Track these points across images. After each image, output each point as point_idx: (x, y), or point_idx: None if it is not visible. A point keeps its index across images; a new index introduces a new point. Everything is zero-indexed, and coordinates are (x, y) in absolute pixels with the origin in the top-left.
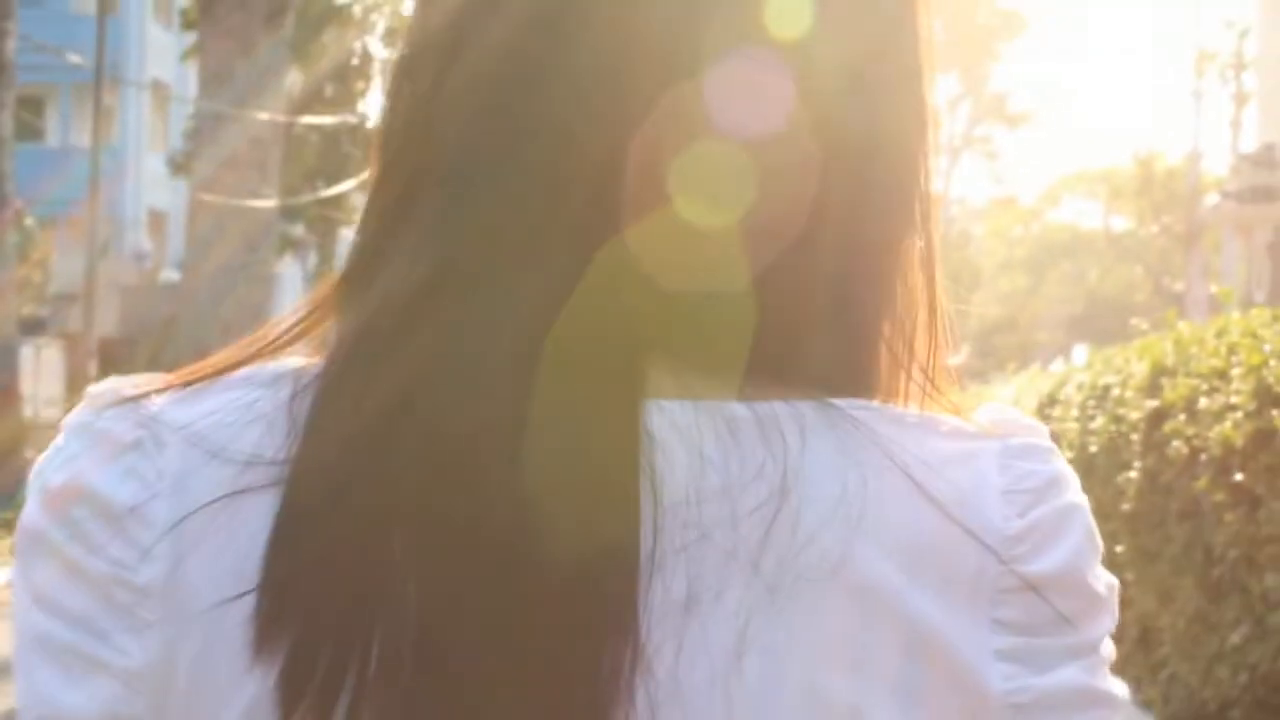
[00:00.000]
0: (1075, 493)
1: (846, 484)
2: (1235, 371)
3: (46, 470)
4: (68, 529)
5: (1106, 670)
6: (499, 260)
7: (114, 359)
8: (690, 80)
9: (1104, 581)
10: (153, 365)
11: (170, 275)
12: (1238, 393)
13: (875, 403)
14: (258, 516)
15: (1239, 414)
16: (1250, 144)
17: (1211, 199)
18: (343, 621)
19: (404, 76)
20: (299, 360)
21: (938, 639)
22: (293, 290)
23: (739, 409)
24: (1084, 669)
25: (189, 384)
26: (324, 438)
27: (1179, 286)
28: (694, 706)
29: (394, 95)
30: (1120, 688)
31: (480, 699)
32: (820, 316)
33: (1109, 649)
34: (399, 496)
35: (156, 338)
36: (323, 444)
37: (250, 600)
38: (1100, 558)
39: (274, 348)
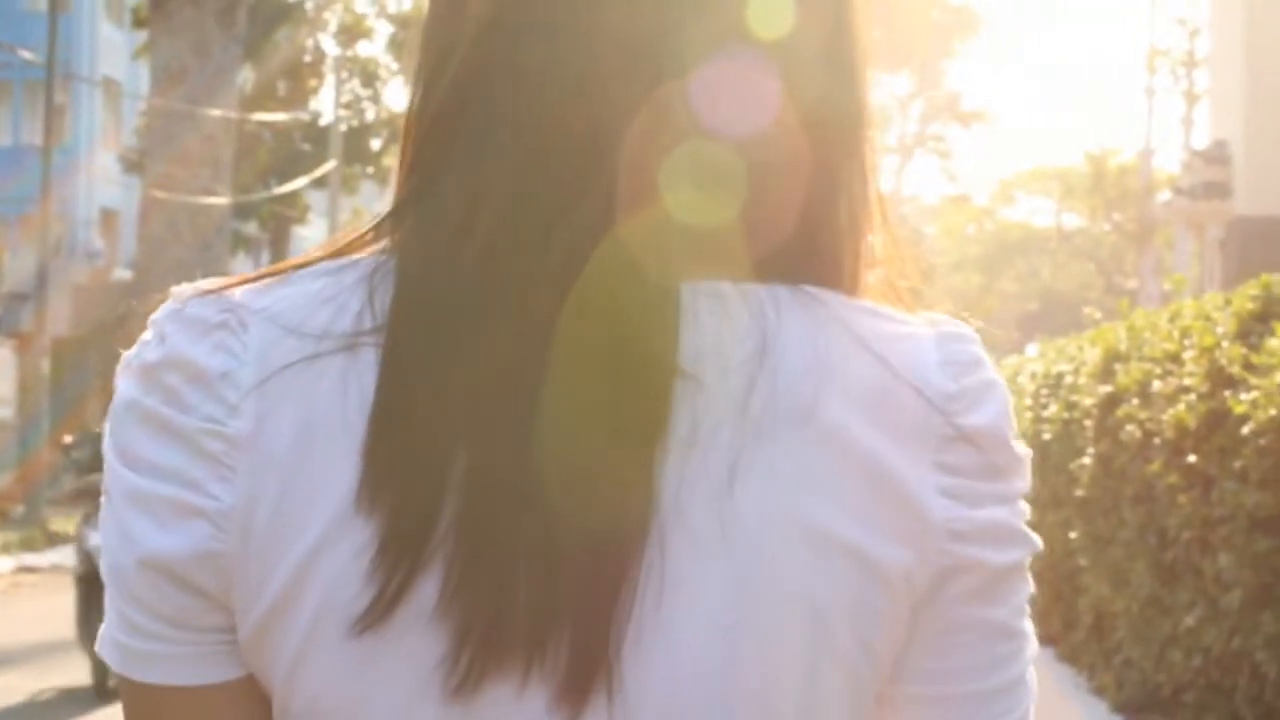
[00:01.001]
0: (995, 372)
1: (815, 347)
2: (1188, 355)
3: (141, 352)
4: (163, 394)
5: (1025, 521)
6: (544, 191)
7: (67, 358)
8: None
9: (1022, 448)
10: (106, 364)
11: (123, 274)
12: (1191, 375)
13: (834, 292)
14: (330, 379)
15: (1192, 396)
16: (1203, 141)
17: (1164, 196)
18: (426, 480)
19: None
20: (353, 257)
21: (892, 475)
22: None
23: (727, 287)
24: (1009, 512)
25: (260, 279)
26: (408, 324)
27: (1132, 284)
28: (695, 525)
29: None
30: (1036, 538)
31: (536, 518)
32: (795, 226)
33: (1027, 507)
34: (471, 379)
35: (109, 336)
36: (408, 331)
37: (321, 449)
38: (1016, 431)
39: (326, 256)
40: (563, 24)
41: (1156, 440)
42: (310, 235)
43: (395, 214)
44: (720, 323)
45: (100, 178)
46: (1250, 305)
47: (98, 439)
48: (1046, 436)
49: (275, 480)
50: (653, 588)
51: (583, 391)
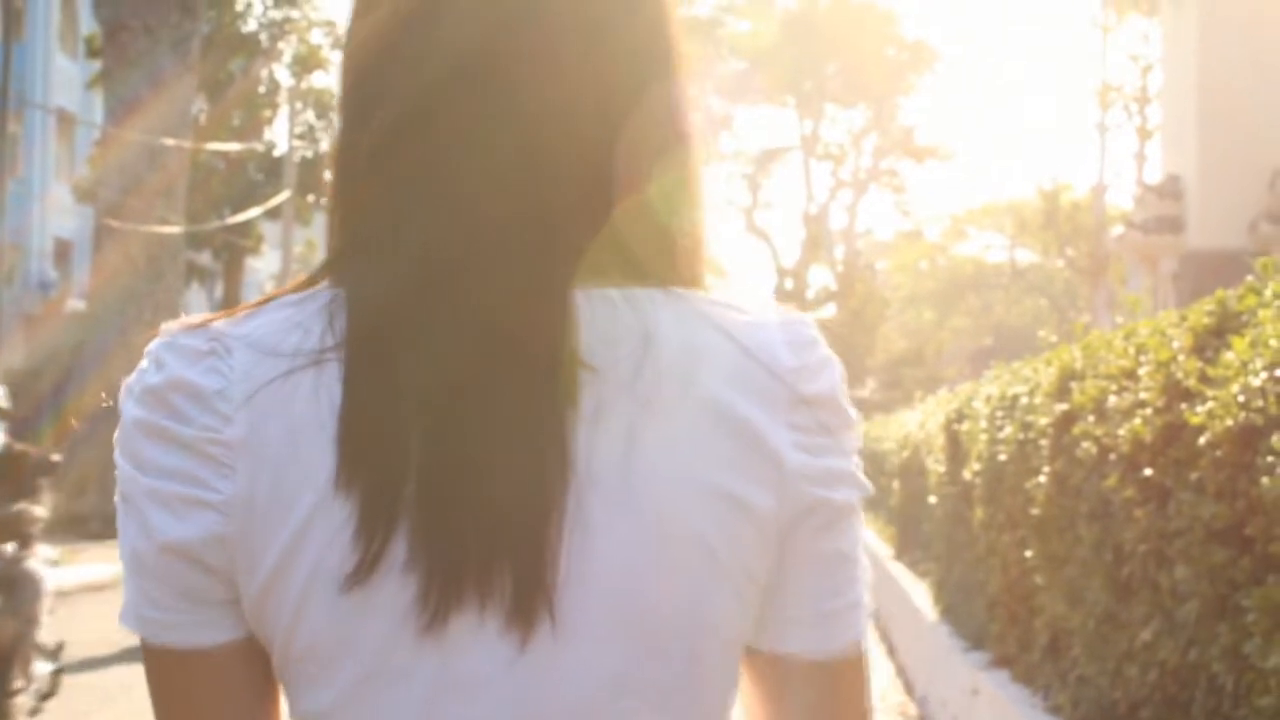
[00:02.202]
0: (829, 350)
1: (686, 336)
2: (1143, 371)
3: (144, 376)
4: (166, 411)
5: (857, 467)
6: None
7: (19, 388)
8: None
9: (852, 410)
10: (58, 395)
11: (76, 305)
12: (1147, 389)
13: (698, 291)
14: (304, 389)
15: (1148, 410)
16: (1155, 177)
17: (1117, 231)
18: (391, 463)
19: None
20: (310, 291)
21: (755, 434)
22: None
23: (614, 292)
24: (844, 461)
25: (234, 313)
26: (363, 340)
27: (1085, 319)
28: (604, 484)
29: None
30: (868, 483)
31: (479, 485)
32: (652, 243)
33: (858, 459)
34: (420, 377)
35: (62, 367)
36: (364, 345)
37: (303, 446)
38: (848, 397)
39: (286, 292)
40: (489, 80)
41: (1112, 456)
42: (263, 266)
43: (339, 257)
44: (610, 321)
45: (54, 208)
46: (1206, 320)
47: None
48: (1002, 458)
49: (268, 474)
50: (575, 535)
51: (507, 386)
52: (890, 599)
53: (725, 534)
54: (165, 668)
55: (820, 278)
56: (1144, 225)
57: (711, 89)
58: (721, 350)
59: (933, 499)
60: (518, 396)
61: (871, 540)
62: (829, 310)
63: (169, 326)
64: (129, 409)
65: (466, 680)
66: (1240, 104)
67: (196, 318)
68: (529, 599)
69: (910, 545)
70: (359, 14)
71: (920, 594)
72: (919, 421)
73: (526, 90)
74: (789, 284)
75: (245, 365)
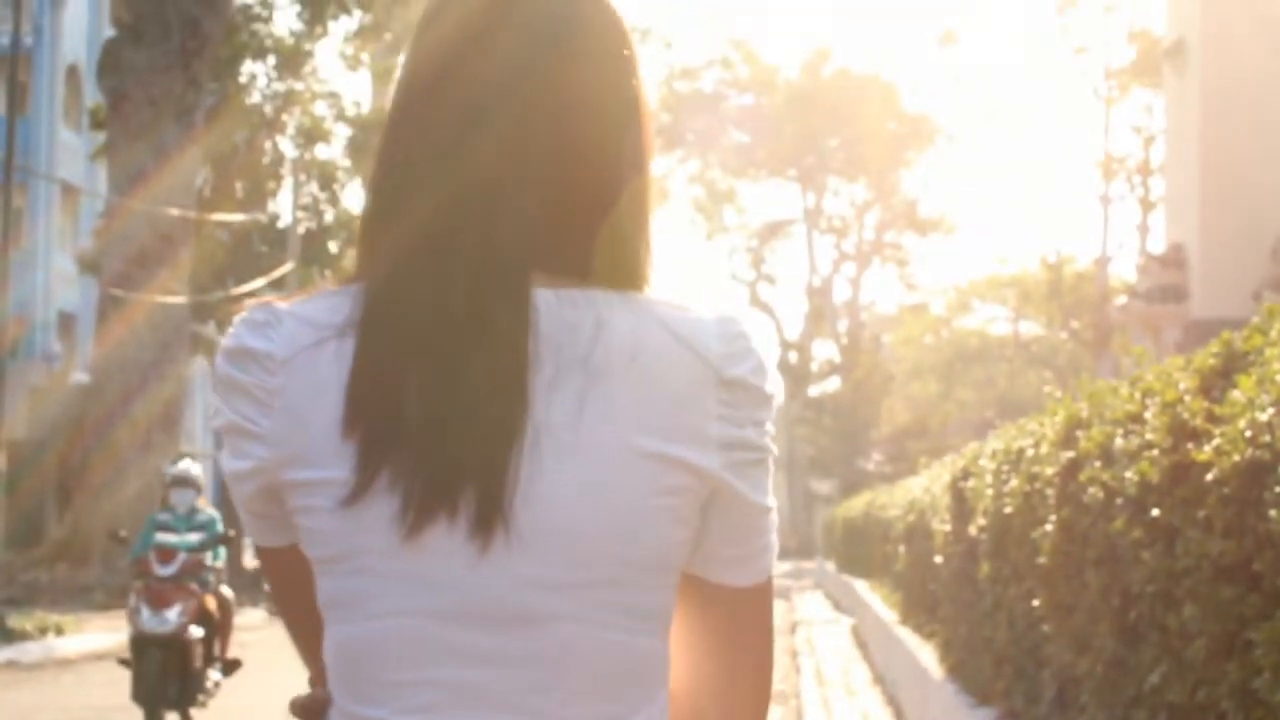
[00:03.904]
0: (757, 340)
1: (632, 326)
2: (1150, 414)
3: (226, 340)
4: (236, 365)
5: (769, 439)
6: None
7: (22, 460)
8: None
9: (771, 391)
10: (62, 466)
11: (80, 377)
12: (1154, 430)
13: (643, 293)
14: (328, 354)
15: (1155, 451)
16: (1159, 247)
17: (1120, 301)
18: (384, 412)
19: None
20: (342, 287)
21: (686, 406)
22: (203, 393)
23: (574, 291)
24: (757, 431)
25: (292, 298)
26: (371, 320)
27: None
28: (556, 435)
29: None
30: (774, 447)
31: (454, 428)
32: (611, 256)
33: (770, 427)
34: (411, 348)
35: (66, 439)
36: (371, 323)
37: (323, 398)
38: (769, 379)
39: (330, 286)
40: (492, 126)
41: (1119, 500)
42: None
43: (362, 257)
44: (572, 311)
45: (58, 281)
46: (1212, 362)
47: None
48: (1008, 510)
49: (295, 417)
50: (527, 471)
51: (481, 354)
52: (896, 662)
53: (659, 487)
54: (262, 557)
55: (824, 351)
56: (1147, 294)
57: (715, 162)
58: (661, 339)
59: (939, 559)
60: (489, 362)
61: (877, 606)
62: (833, 383)
63: (250, 304)
64: (217, 364)
65: (437, 579)
66: (1243, 174)
67: (267, 298)
68: (489, 515)
69: (916, 609)
70: (401, 84)
71: (927, 655)
72: (924, 486)
73: (521, 134)
74: (793, 357)
75: (290, 333)
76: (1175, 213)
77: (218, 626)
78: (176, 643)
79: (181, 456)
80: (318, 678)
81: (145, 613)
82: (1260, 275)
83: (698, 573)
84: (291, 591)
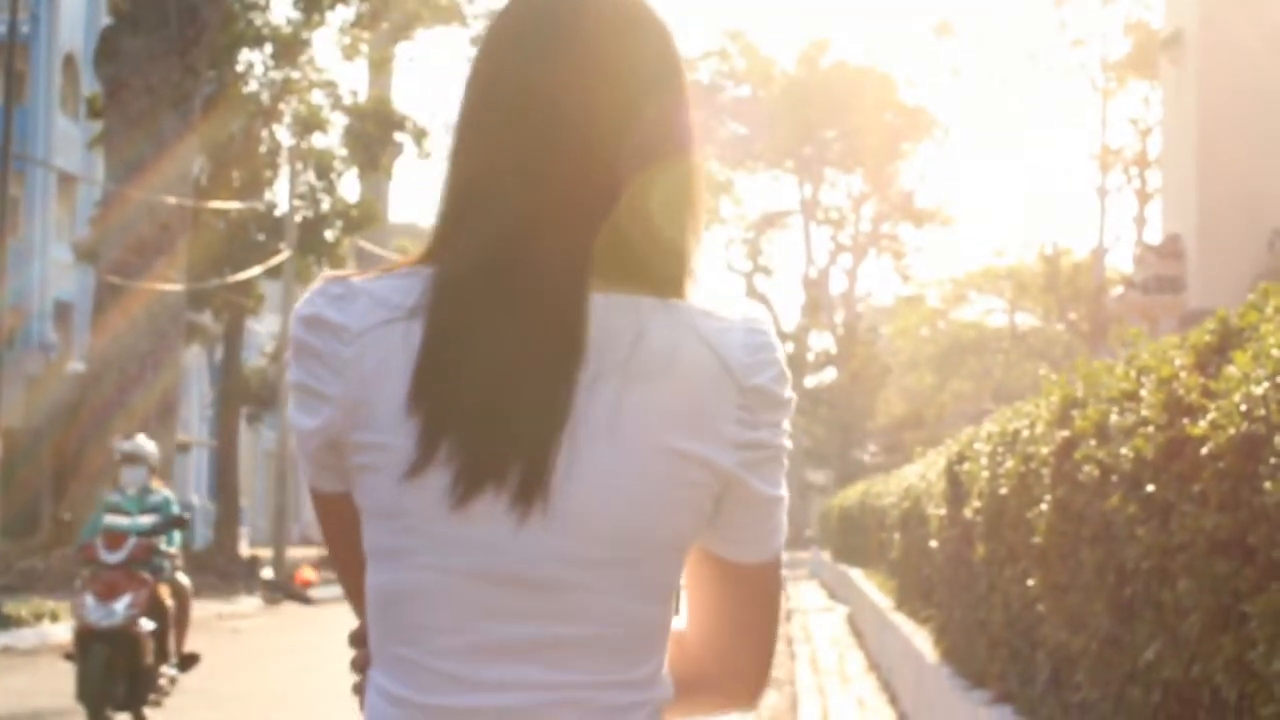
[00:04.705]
0: (778, 350)
1: (669, 334)
2: (1145, 391)
3: (301, 309)
4: (312, 332)
5: (784, 438)
6: (531, 234)
7: (18, 449)
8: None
9: (788, 395)
10: (59, 455)
11: (77, 367)
12: (1149, 406)
13: (682, 301)
14: (397, 333)
15: (1150, 428)
16: (1155, 239)
17: (1117, 291)
18: (446, 392)
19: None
20: (415, 268)
21: (716, 406)
22: (200, 383)
23: (622, 297)
24: (772, 433)
25: (365, 275)
26: (441, 305)
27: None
28: (595, 428)
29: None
30: (788, 443)
31: (506, 412)
32: (657, 259)
33: (786, 428)
34: (475, 338)
35: (62, 428)
36: (441, 309)
37: (390, 372)
38: (788, 385)
39: (402, 264)
40: (539, 153)
41: (1114, 477)
42: (263, 329)
43: (435, 245)
44: (618, 318)
45: (55, 270)
46: (1208, 339)
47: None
48: (1003, 491)
49: (364, 387)
50: (566, 457)
51: (535, 349)
52: (891, 648)
53: (674, 478)
54: (316, 500)
55: (820, 342)
56: (1144, 285)
57: (712, 154)
58: (693, 348)
59: (933, 543)
60: (544, 358)
61: (872, 593)
62: (829, 374)
63: (325, 275)
64: (293, 328)
65: (478, 544)
66: (1240, 165)
67: (343, 272)
68: (530, 490)
69: (911, 596)
70: (472, 82)
71: (921, 639)
72: (920, 473)
73: (587, 153)
74: (789, 348)
75: (363, 309)
76: (1172, 204)
77: (173, 619)
78: (125, 637)
79: (136, 435)
80: (363, 614)
81: (91, 604)
82: (1257, 266)
83: (715, 551)
84: (342, 534)
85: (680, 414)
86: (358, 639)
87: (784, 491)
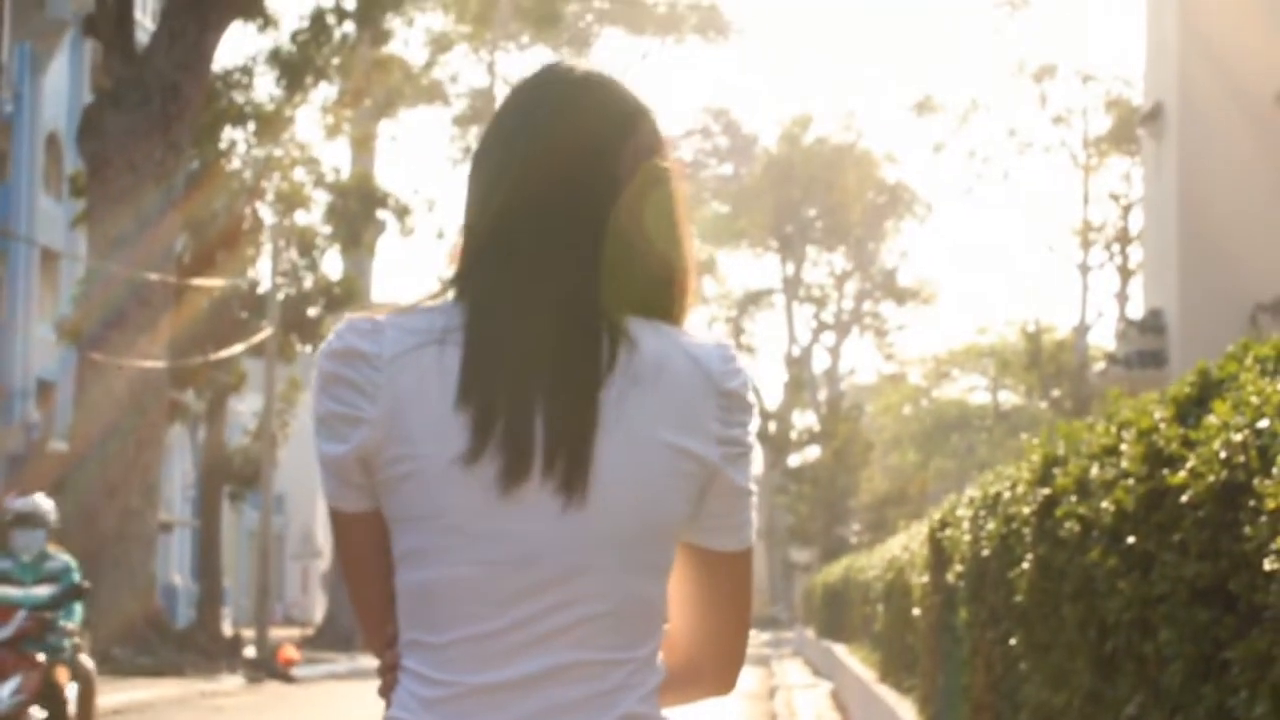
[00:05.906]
0: (744, 364)
1: (658, 348)
2: (1125, 445)
3: (332, 343)
4: (345, 364)
5: (750, 436)
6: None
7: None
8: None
9: (753, 400)
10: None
11: (59, 445)
12: (1129, 459)
13: (666, 324)
14: (429, 356)
15: (1130, 480)
16: (1137, 315)
17: (1100, 367)
18: (493, 393)
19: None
20: (437, 300)
21: (701, 407)
22: (182, 462)
23: (623, 320)
24: (743, 433)
25: (391, 311)
26: (478, 323)
27: None
28: (611, 427)
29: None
30: (755, 442)
31: (547, 413)
32: (652, 292)
33: (754, 427)
34: (513, 350)
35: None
36: (478, 326)
37: (423, 392)
38: (752, 390)
39: (424, 299)
40: (549, 190)
41: (1095, 531)
42: (245, 408)
43: (459, 282)
44: (618, 337)
45: (37, 349)
46: (1188, 390)
47: None
48: (985, 553)
49: (399, 405)
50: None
51: (564, 368)
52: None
53: (671, 468)
54: (335, 520)
55: (803, 420)
56: (1126, 360)
57: (695, 233)
58: (678, 358)
59: (916, 611)
60: (571, 376)
61: (855, 667)
62: (812, 452)
63: (351, 316)
64: (323, 363)
65: (523, 531)
66: (1221, 239)
67: (367, 311)
68: (572, 480)
69: (895, 667)
70: (484, 148)
71: (905, 709)
72: (903, 544)
73: (591, 224)
74: (772, 427)
75: (393, 338)
76: (1153, 278)
77: (74, 707)
78: None
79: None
80: (381, 645)
81: None
82: (1240, 339)
83: (697, 542)
84: (362, 550)
85: (672, 413)
86: (385, 657)
87: (754, 486)
